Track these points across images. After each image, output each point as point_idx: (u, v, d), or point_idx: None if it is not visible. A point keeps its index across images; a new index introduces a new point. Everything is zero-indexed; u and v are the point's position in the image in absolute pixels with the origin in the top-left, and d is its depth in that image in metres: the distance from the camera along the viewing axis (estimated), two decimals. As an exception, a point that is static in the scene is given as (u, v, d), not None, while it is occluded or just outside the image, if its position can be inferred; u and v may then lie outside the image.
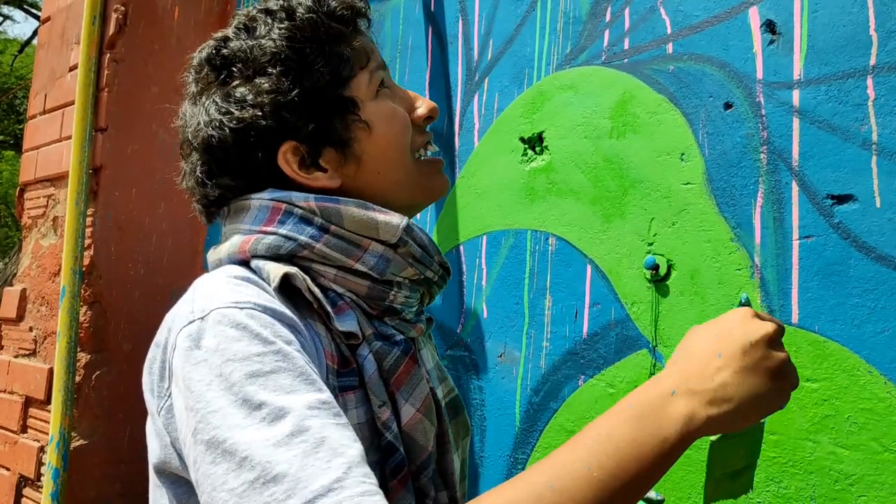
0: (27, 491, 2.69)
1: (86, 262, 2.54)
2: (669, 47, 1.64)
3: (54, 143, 2.82)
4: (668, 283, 1.57)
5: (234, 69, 0.87)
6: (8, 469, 2.78)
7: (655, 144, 1.63)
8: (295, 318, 0.76)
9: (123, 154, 2.66)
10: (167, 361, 0.74)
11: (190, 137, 0.90)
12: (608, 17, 1.76)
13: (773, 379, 0.67)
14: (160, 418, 0.75)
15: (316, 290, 0.80)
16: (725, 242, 1.50)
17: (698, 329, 0.72)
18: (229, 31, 0.91)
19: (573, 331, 1.73)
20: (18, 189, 3.07)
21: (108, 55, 2.62)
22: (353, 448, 0.64)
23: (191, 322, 0.72)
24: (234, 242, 0.85)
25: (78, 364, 2.51)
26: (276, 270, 0.79)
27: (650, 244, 1.61)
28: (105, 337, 2.60)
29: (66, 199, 2.71)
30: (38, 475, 2.62)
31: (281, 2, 0.89)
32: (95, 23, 2.59)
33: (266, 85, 0.85)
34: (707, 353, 0.68)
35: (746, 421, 0.66)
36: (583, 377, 1.69)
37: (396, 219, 0.85)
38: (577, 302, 1.73)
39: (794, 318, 1.39)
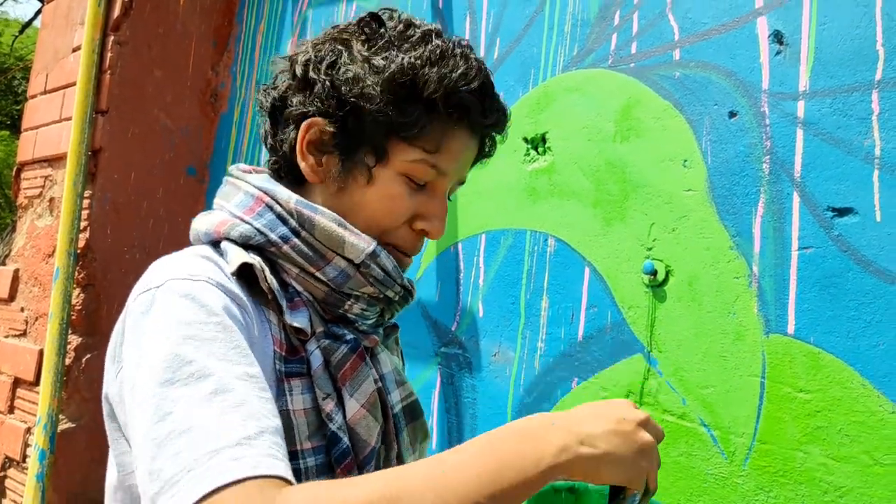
0: (12, 472, 2.67)
1: (81, 244, 2.53)
2: (676, 53, 1.64)
3: (54, 123, 2.81)
4: (665, 288, 1.58)
5: (374, 42, 0.90)
6: (-7, 449, 2.77)
7: (659, 150, 1.63)
8: (245, 300, 0.80)
9: (123, 137, 2.65)
10: (123, 327, 0.78)
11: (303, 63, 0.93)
12: (616, 21, 1.76)
13: (635, 451, 0.73)
14: (115, 383, 0.78)
15: (273, 282, 0.84)
16: (724, 250, 1.50)
17: (588, 403, 0.79)
18: (400, 24, 0.92)
19: (569, 332, 1.73)
20: (15, 169, 3.05)
21: (113, 37, 2.61)
22: (271, 418, 0.67)
23: (147, 290, 0.77)
24: (214, 219, 0.89)
25: (69, 346, 2.50)
26: (237, 257, 0.83)
27: (649, 249, 1.61)
28: (97, 320, 2.59)
29: (63, 180, 2.70)
30: (24, 456, 2.61)
31: (452, 45, 0.90)
32: (101, 4, 2.58)
33: (383, 64, 0.87)
34: (588, 412, 0.75)
35: (606, 474, 0.72)
36: (576, 379, 1.69)
37: (364, 243, 0.88)
38: (573, 304, 1.73)
39: (791, 328, 1.39)
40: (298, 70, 0.91)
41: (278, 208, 0.88)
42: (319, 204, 0.91)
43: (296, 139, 0.91)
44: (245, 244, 0.86)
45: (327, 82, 0.88)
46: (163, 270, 0.79)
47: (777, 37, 1.50)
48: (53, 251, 2.69)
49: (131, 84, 2.67)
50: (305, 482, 0.63)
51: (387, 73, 0.87)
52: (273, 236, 0.86)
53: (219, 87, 2.95)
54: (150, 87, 2.72)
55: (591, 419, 0.73)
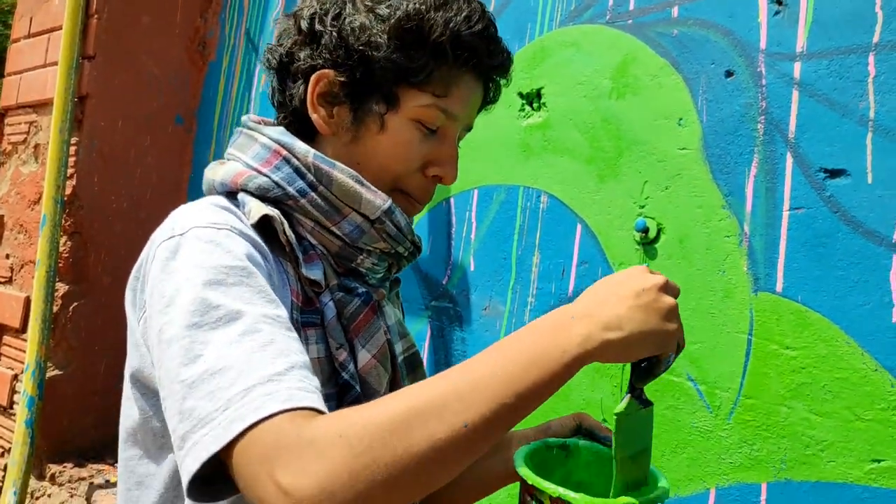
0: (-1, 418, 2.69)
1: (68, 191, 2.51)
2: (675, 11, 1.64)
3: (38, 68, 2.76)
4: (656, 245, 1.59)
5: None
6: (-21, 395, 2.77)
7: (654, 108, 1.64)
8: (267, 250, 0.82)
9: (111, 84, 2.61)
10: (145, 273, 0.79)
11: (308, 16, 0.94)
12: (615, -23, 1.75)
13: (661, 318, 0.73)
14: (139, 329, 0.79)
15: (291, 235, 0.85)
16: (716, 209, 1.52)
17: (601, 280, 0.78)
18: None
19: (559, 288, 1.75)
20: (-1, 113, 3.01)
21: (99, -20, 2.56)
22: (299, 354, 0.69)
23: (171, 237, 0.77)
24: (229, 170, 0.90)
25: (56, 294, 2.49)
26: (257, 209, 0.84)
27: (642, 206, 1.63)
28: (84, 268, 2.58)
29: (48, 126, 2.66)
30: (11, 403, 2.62)
31: None
32: (87, -54, 2.52)
33: (388, 12, 0.88)
34: (604, 293, 0.74)
35: (637, 352, 0.72)
36: (566, 334, 1.72)
37: (380, 200, 0.89)
38: (564, 260, 1.75)
39: (779, 287, 1.42)
40: (304, 24, 0.91)
41: (295, 162, 0.88)
42: (331, 156, 0.91)
43: (305, 93, 0.91)
44: (262, 196, 0.87)
45: (334, 33, 0.89)
46: (185, 218, 0.80)
47: (776, -4, 1.50)
48: (39, 198, 2.66)
49: (118, 30, 2.62)
50: (333, 413, 0.65)
51: (392, 20, 0.87)
52: (291, 190, 0.87)
53: (207, 35, 2.91)
54: (138, 34, 2.68)
55: (611, 300, 0.73)
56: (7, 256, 2.80)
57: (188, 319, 0.69)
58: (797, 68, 1.45)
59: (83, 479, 2.41)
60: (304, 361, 0.69)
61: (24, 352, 2.57)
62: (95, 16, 2.55)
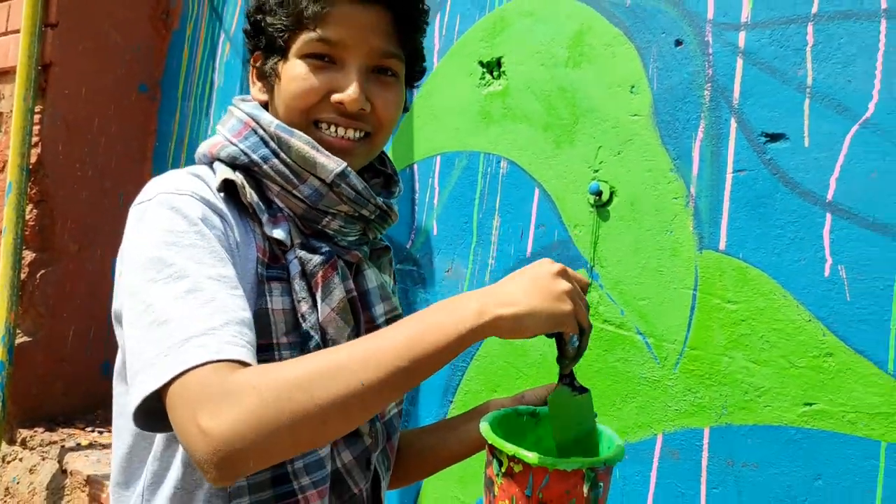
0: (-33, 385, 2.70)
1: (33, 159, 2.52)
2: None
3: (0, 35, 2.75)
4: (609, 208, 1.67)
5: None
6: (-53, 363, 2.78)
7: (608, 76, 1.71)
8: (226, 211, 0.91)
9: (74, 51, 2.62)
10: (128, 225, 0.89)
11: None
12: (572, -51, 1.81)
13: (553, 299, 0.81)
14: (118, 280, 0.90)
15: (254, 197, 0.95)
16: (665, 173, 1.60)
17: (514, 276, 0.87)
18: None
19: (518, 249, 1.83)
20: (-41, 82, 2.98)
21: (61, -52, 2.55)
22: (238, 311, 0.79)
23: (140, 203, 0.88)
24: (209, 142, 1.00)
25: (22, 262, 2.51)
26: (221, 174, 0.93)
27: (596, 171, 1.71)
28: (51, 236, 2.60)
29: (12, 94, 2.66)
30: (-21, 369, 2.64)
31: None
32: (48, -88, 2.50)
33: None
34: (505, 280, 0.85)
35: (531, 327, 0.80)
36: (524, 293, 1.80)
37: (333, 164, 0.96)
38: (523, 223, 1.83)
39: (722, 245, 1.51)
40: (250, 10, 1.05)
41: (261, 132, 0.97)
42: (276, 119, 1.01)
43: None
44: (232, 164, 0.96)
45: (250, 18, 1.04)
46: (156, 185, 0.90)
47: (723, -32, 1.57)
48: (3, 166, 2.67)
49: (81, -3, 2.62)
50: (254, 367, 0.75)
51: None
52: (255, 157, 0.96)
53: (171, 3, 2.91)
54: (101, 2, 2.68)
55: (508, 282, 0.83)
56: (-29, 225, 2.80)
57: (144, 275, 0.80)
58: (742, 38, 1.53)
59: (54, 442, 2.45)
60: (241, 318, 0.79)
61: (-9, 320, 2.60)
62: (57, -17, 2.55)
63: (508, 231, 1.85)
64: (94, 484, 2.19)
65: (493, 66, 1.93)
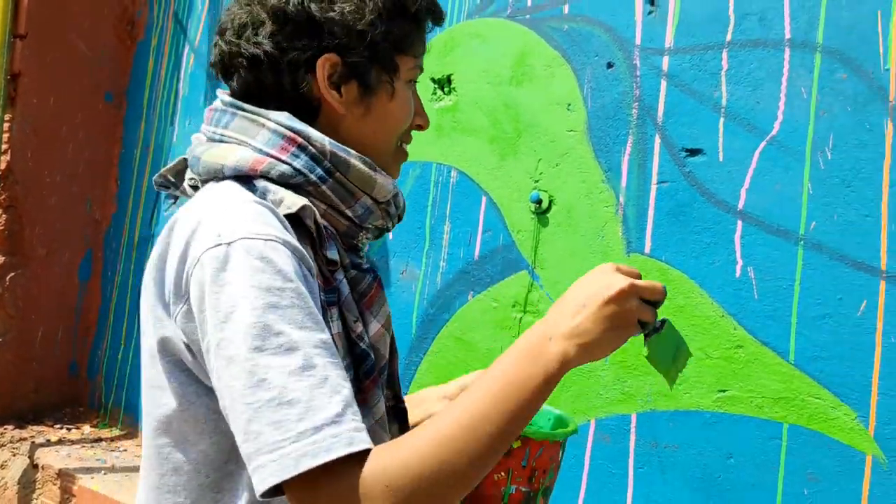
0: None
1: (2, 166, 2.61)
2: (566, 8, 1.87)
3: (-33, 45, 2.82)
4: (548, 215, 1.83)
5: None
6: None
7: (547, 94, 1.87)
8: (305, 253, 0.85)
9: (43, 62, 2.71)
10: (187, 273, 0.82)
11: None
12: (515, -24, 1.97)
13: (619, 327, 0.86)
14: (178, 321, 0.84)
15: (322, 223, 0.90)
16: (598, 183, 1.76)
17: (575, 284, 0.91)
18: None
19: (466, 253, 1.98)
20: (-75, 89, 3.05)
21: (29, -39, 2.64)
22: (347, 388, 0.77)
23: (217, 245, 0.80)
24: (243, 157, 0.91)
25: (-8, 265, 2.61)
26: (292, 200, 0.87)
27: (536, 181, 1.86)
28: (20, 240, 2.69)
29: (-21, 103, 2.74)
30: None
31: None
32: (16, -73, 2.59)
33: (369, 3, 0.94)
34: (574, 304, 0.87)
35: (601, 354, 0.86)
36: (472, 293, 1.95)
37: (390, 185, 0.96)
38: (471, 228, 1.98)
39: (647, 248, 1.68)
40: (291, 11, 0.93)
41: (312, 150, 0.92)
42: (342, 134, 0.96)
43: (306, 80, 0.94)
44: (284, 183, 0.90)
45: (335, 18, 0.93)
46: (229, 224, 0.82)
47: (650, -1, 1.74)
48: (-28, 174, 2.75)
49: (49, 9, 2.71)
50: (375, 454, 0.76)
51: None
52: (312, 177, 0.91)
53: (135, 15, 3.01)
54: (68, 13, 2.77)
55: (580, 314, 0.85)
56: (-61, 229, 2.87)
57: (250, 343, 0.75)
58: (665, 62, 1.70)
59: (24, 439, 2.54)
60: (351, 395, 0.77)
61: (-40, 321, 2.68)
62: (26, -4, 2.64)
63: (458, 236, 2.00)
64: (65, 477, 2.30)
65: (444, 83, 2.08)
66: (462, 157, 2.02)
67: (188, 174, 0.98)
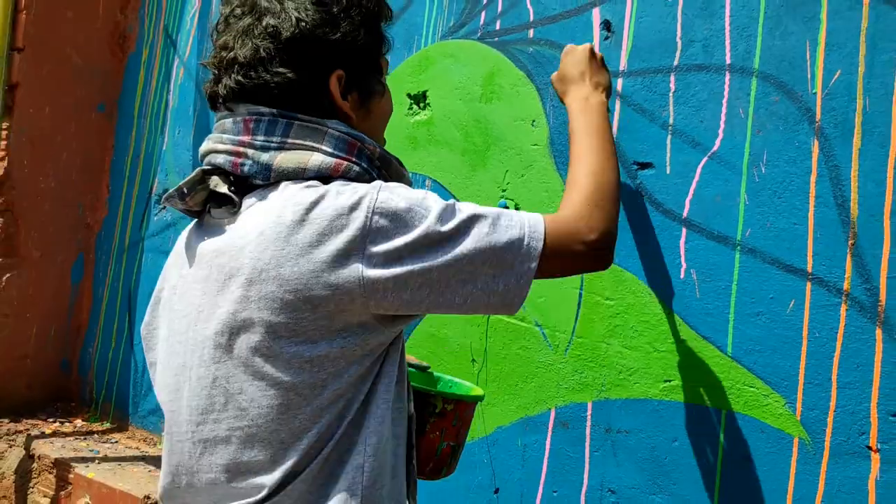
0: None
1: (0, 172, 2.74)
2: (531, 32, 2.03)
3: (-35, 57, 2.95)
4: (514, 221, 2.00)
5: None
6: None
7: (514, 111, 2.04)
8: None
9: (39, 73, 2.84)
10: (365, 221, 0.97)
11: (272, 23, 1.07)
12: (485, 1, 2.14)
13: (602, 66, 1.56)
14: (368, 271, 0.97)
15: None
16: (559, 193, 1.93)
17: (563, 68, 1.57)
18: None
19: (439, 256, 2.13)
20: (-77, 98, 3.17)
21: (27, -22, 2.78)
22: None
23: (360, 199, 0.98)
24: (324, 161, 1.05)
25: (-11, 267, 2.73)
26: None
27: (504, 190, 2.03)
28: (16, 243, 2.82)
29: (-24, 111, 2.88)
30: (-53, 367, 2.84)
31: None
32: (15, -55, 2.73)
33: (356, 14, 1.11)
34: (577, 75, 1.52)
35: (607, 82, 1.54)
36: (444, 293, 2.11)
37: (408, 175, 1.18)
38: (444, 233, 2.14)
39: (603, 252, 1.84)
40: (299, 38, 1.07)
41: (367, 151, 1.09)
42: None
43: (324, 94, 1.10)
44: (357, 180, 1.06)
45: (338, 38, 1.09)
46: (349, 190, 1.00)
47: (606, 25, 1.91)
48: (-28, 179, 2.88)
49: (45, 23, 2.85)
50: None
51: (361, 16, 1.11)
52: (374, 174, 1.10)
53: (127, 29, 3.15)
54: (63, 27, 2.91)
55: (587, 72, 1.52)
56: (-64, 232, 2.99)
57: (448, 219, 1.00)
58: (619, 83, 1.87)
59: (20, 432, 2.67)
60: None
61: (-43, 320, 2.81)
62: (24, 11, 2.78)
63: (432, 240, 2.16)
64: (61, 466, 2.43)
65: (419, 98, 2.24)
66: (437, 167, 2.18)
67: (219, 182, 1.08)
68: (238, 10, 1.10)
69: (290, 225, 0.97)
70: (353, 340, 0.99)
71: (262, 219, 1.00)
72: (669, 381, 1.73)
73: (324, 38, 1.07)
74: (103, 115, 3.10)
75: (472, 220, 1.02)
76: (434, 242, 0.98)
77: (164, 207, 2.88)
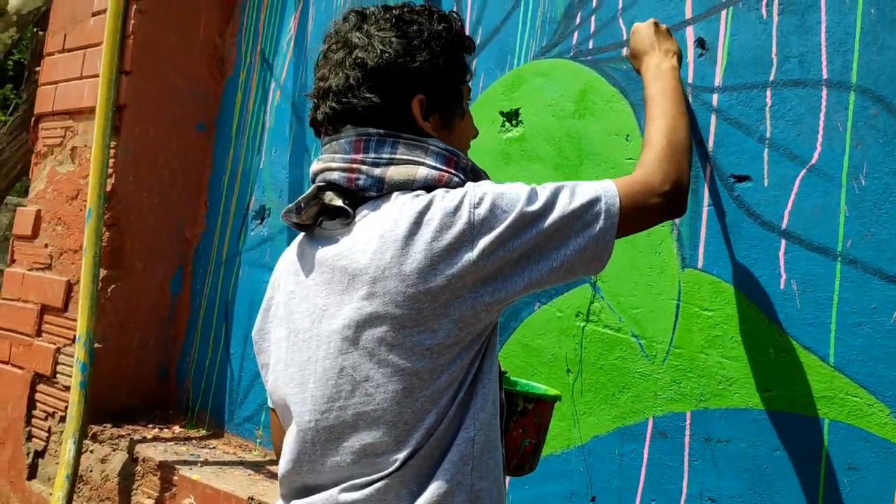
0: (41, 387, 3.07)
1: (108, 189, 2.90)
2: (624, 51, 2.09)
3: (74, 80, 3.14)
4: (609, 234, 2.04)
5: (412, 28, 1.24)
6: (22, 368, 3.15)
7: (607, 126, 2.09)
8: None
9: (144, 95, 3.01)
10: (469, 216, 1.11)
11: (360, 55, 1.21)
12: (578, 21, 2.20)
13: (668, 34, 1.73)
14: (477, 258, 1.10)
15: None
16: (655, 205, 1.97)
17: (634, 45, 1.73)
18: (405, 8, 1.27)
19: (533, 268, 2.19)
20: (33, 119, 3.37)
21: (135, 6, 2.95)
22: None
23: (464, 196, 1.13)
24: (430, 173, 1.19)
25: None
26: None
27: (598, 203, 2.08)
28: (121, 255, 2.98)
29: (84, 131, 3.06)
30: (55, 373, 3.00)
31: (438, 9, 1.32)
32: (124, -24, 2.91)
33: (436, 45, 1.24)
34: (648, 46, 1.68)
35: (675, 47, 1.73)
36: (538, 304, 2.17)
37: None
38: (537, 246, 2.19)
39: (700, 264, 1.88)
40: (383, 68, 1.21)
41: (462, 163, 1.23)
42: None
43: (408, 116, 1.23)
44: (455, 188, 1.18)
45: (416, 67, 1.22)
46: (451, 195, 1.14)
47: (700, 43, 1.96)
48: (77, 194, 3.05)
49: (150, 48, 3.02)
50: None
51: (440, 45, 1.25)
52: (469, 184, 1.20)
53: (225, 52, 3.31)
54: (166, 51, 3.08)
55: (656, 42, 1.68)
56: (46, 245, 3.17)
57: (536, 195, 1.17)
58: (715, 98, 1.91)
59: (122, 436, 2.80)
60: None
61: (66, 328, 2.97)
62: (132, 36, 2.95)
63: (525, 253, 2.22)
64: (165, 468, 2.54)
65: (512, 116, 2.32)
66: (529, 181, 2.22)
67: (334, 196, 1.21)
68: (334, 46, 1.26)
69: (406, 228, 1.11)
70: (465, 326, 1.12)
71: (379, 225, 1.14)
72: (770, 390, 1.75)
73: (404, 67, 1.21)
74: (202, 134, 3.26)
75: (555, 194, 1.18)
76: (528, 222, 1.13)
77: (262, 222, 3.01)
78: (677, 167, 1.36)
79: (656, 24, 1.72)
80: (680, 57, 1.70)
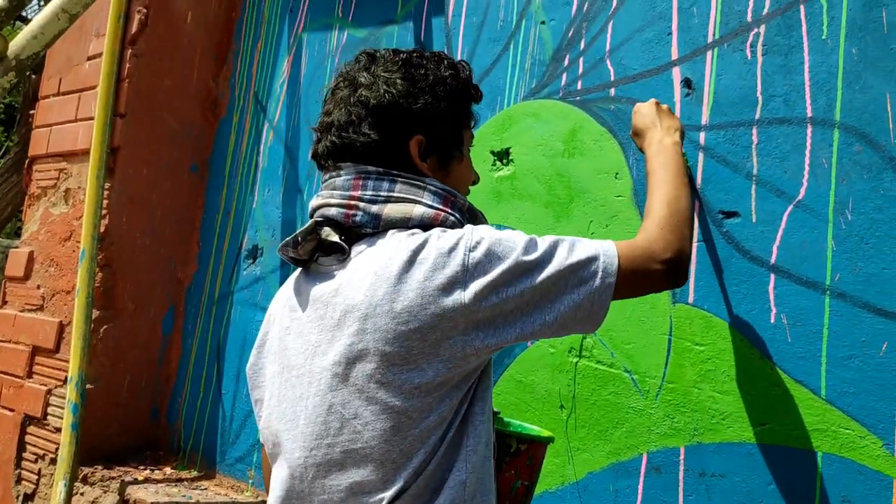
0: (32, 429, 3.04)
1: (101, 229, 2.91)
2: (612, 91, 2.14)
3: (69, 122, 3.17)
4: (601, 270, 2.06)
5: (418, 72, 1.27)
6: (12, 410, 3.12)
7: (597, 165, 2.12)
8: None
9: (138, 137, 3.04)
10: (465, 260, 1.11)
11: (364, 93, 1.25)
12: (566, 63, 2.25)
13: (669, 112, 1.71)
14: (469, 301, 1.10)
15: None
16: (645, 242, 1.99)
17: (636, 124, 1.71)
18: (414, 53, 1.30)
19: (526, 305, 2.20)
20: (27, 161, 3.39)
21: (130, 50, 3.00)
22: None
23: (460, 238, 1.13)
24: (426, 212, 1.21)
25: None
26: None
27: (589, 240, 2.10)
28: (114, 296, 2.98)
29: (78, 173, 3.08)
30: (45, 414, 2.97)
31: (449, 57, 1.35)
32: (120, 20, 2.96)
33: (440, 90, 1.27)
34: (651, 123, 1.67)
35: (677, 124, 1.70)
36: (531, 341, 2.18)
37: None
38: (529, 283, 2.21)
39: (691, 299, 1.90)
40: (386, 107, 1.24)
41: (458, 203, 1.26)
42: None
43: (406, 155, 1.25)
44: (451, 227, 1.21)
45: (418, 108, 1.25)
46: (448, 235, 1.15)
47: (687, 83, 2.00)
48: (69, 236, 3.06)
49: (145, 91, 3.06)
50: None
51: (445, 90, 1.28)
52: (465, 223, 1.24)
53: (219, 95, 3.35)
54: (160, 94, 3.12)
55: (658, 120, 1.67)
56: (38, 287, 3.17)
57: (532, 247, 1.15)
58: (702, 136, 1.95)
59: (113, 478, 2.77)
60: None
61: (57, 370, 2.96)
62: (127, 80, 2.99)
63: (517, 290, 2.23)
64: (156, 511, 2.52)
65: (502, 155, 2.35)
66: (520, 219, 2.27)
67: (330, 232, 1.23)
68: (342, 84, 1.29)
69: (400, 266, 1.11)
70: (455, 367, 1.11)
71: (374, 261, 1.15)
72: (764, 424, 1.76)
73: (405, 107, 1.23)
74: (195, 175, 3.29)
75: (554, 247, 1.17)
76: (523, 271, 1.12)
77: (254, 261, 3.02)
78: (679, 236, 1.34)
79: (657, 103, 1.73)
80: (682, 133, 1.69)
